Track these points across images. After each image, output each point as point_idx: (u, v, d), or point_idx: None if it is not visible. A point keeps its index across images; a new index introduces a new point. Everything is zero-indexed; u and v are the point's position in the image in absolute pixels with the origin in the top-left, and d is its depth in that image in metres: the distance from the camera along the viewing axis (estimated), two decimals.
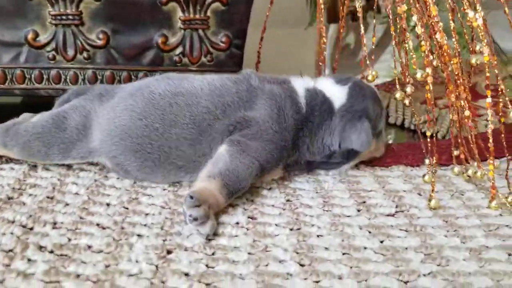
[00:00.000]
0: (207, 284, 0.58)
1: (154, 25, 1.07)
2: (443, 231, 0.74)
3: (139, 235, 0.68)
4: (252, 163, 0.79)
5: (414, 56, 0.85)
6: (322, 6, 1.11)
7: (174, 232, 0.69)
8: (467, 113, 0.82)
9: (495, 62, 0.79)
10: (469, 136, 0.84)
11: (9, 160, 0.88)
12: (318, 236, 0.71)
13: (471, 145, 0.86)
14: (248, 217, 0.75)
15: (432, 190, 0.82)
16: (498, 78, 0.82)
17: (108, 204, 0.76)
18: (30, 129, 0.85)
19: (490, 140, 0.82)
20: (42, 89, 1.08)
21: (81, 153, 0.84)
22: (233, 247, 0.66)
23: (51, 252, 0.63)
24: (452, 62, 0.81)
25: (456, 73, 0.81)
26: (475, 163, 0.87)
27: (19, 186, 0.80)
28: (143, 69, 1.10)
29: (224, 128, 0.84)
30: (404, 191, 0.87)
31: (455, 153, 0.94)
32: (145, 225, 0.71)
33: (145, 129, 0.82)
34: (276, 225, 0.73)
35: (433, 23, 0.81)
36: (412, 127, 1.30)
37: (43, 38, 1.04)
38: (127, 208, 0.75)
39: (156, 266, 0.61)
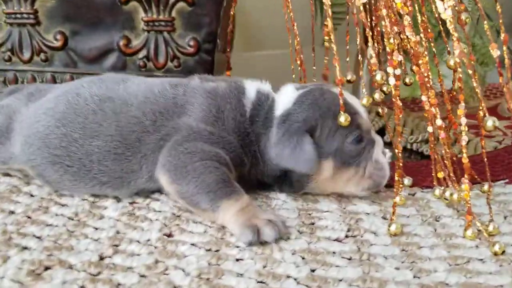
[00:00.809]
0: None
1: (115, 26, 1.00)
2: (395, 262, 0.60)
3: (24, 248, 0.59)
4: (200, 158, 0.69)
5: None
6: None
7: (66, 246, 0.59)
8: (438, 122, 0.69)
9: (471, 61, 0.66)
10: (443, 150, 0.70)
11: None
12: (237, 260, 0.59)
13: (445, 162, 0.72)
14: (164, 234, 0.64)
15: (393, 213, 0.69)
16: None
17: (12, 212, 0.68)
18: None
19: (464, 157, 0.67)
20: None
21: (2, 157, 0.77)
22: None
23: None
24: (421, 61, 0.68)
25: (426, 74, 0.68)
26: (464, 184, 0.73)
27: None
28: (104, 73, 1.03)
29: (154, 144, 0.72)
30: (367, 213, 0.74)
31: (439, 175, 0.80)
32: (39, 237, 0.62)
33: (63, 139, 0.72)
34: (192, 244, 0.62)
35: (400, 18, 0.69)
36: (409, 146, 1.17)
37: None
38: (29, 217, 0.66)
39: (22, 284, 0.51)
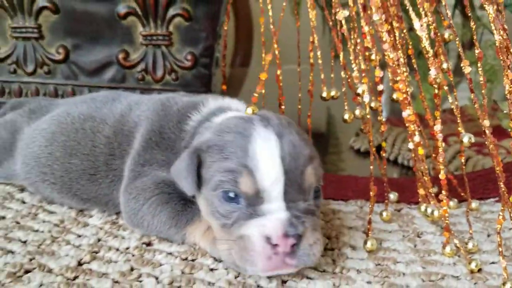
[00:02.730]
0: None
1: (115, 40, 1.03)
2: (368, 277, 0.61)
3: (9, 251, 0.61)
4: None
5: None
6: None
7: (48, 251, 0.62)
8: (416, 138, 0.70)
9: (446, 79, 0.67)
10: (420, 167, 0.71)
11: None
12: (211, 269, 0.60)
13: (425, 179, 0.72)
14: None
15: (369, 229, 0.69)
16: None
17: (2, 217, 0.71)
18: None
19: (441, 173, 0.68)
20: (3, 103, 1.07)
21: (5, 173, 0.80)
22: None
23: None
24: (398, 78, 0.69)
25: (404, 90, 0.69)
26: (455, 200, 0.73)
27: None
28: (104, 86, 1.06)
29: (118, 170, 0.70)
30: (350, 228, 0.75)
31: (421, 192, 0.80)
32: (24, 241, 0.64)
33: (49, 157, 0.74)
34: (169, 253, 0.64)
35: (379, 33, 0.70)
36: (406, 162, 1.17)
37: (3, 51, 1.04)
38: (18, 223, 0.69)
39: (3, 285, 0.54)
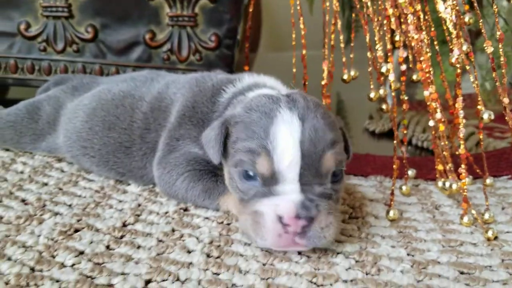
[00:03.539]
0: (95, 263, 0.54)
1: (142, 21, 1.07)
2: (391, 241, 0.65)
3: (56, 213, 0.65)
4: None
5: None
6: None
7: (93, 214, 0.66)
8: (438, 115, 0.74)
9: (470, 60, 0.70)
10: (442, 143, 0.75)
11: None
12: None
13: (445, 154, 0.76)
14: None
15: (391, 200, 0.73)
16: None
17: (45, 184, 0.75)
18: (5, 117, 0.85)
19: (462, 148, 0.72)
20: (34, 80, 1.11)
21: (49, 146, 0.83)
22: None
23: None
24: (422, 58, 0.73)
25: (427, 70, 0.73)
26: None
27: None
28: (131, 65, 1.10)
29: (152, 143, 0.74)
30: (371, 200, 0.79)
31: (440, 167, 0.84)
32: (69, 205, 0.69)
33: (89, 132, 0.78)
34: (206, 218, 0.68)
35: (404, 15, 0.74)
36: (420, 143, 1.21)
37: (34, 29, 1.07)
38: (60, 189, 0.73)
39: (55, 241, 0.58)
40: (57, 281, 0.50)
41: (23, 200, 0.69)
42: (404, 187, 0.82)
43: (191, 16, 1.06)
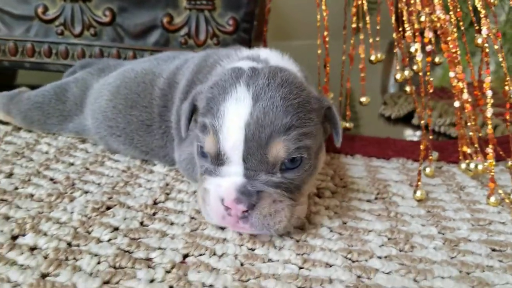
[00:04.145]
0: (131, 238, 0.54)
1: (160, 4, 1.06)
2: (421, 220, 0.65)
3: (86, 192, 0.65)
4: None
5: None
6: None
7: (123, 192, 0.66)
8: (465, 96, 0.73)
9: (498, 40, 0.70)
10: (469, 123, 0.75)
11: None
12: None
13: (471, 134, 0.76)
14: None
15: (418, 180, 0.73)
16: None
17: (71, 164, 0.75)
18: (32, 98, 0.85)
19: (489, 128, 0.72)
20: (51, 64, 1.10)
21: (76, 128, 0.83)
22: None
23: None
24: (449, 38, 0.73)
25: (454, 51, 0.73)
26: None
27: None
28: (148, 49, 1.09)
29: (171, 121, 0.73)
30: (395, 181, 0.79)
31: (464, 149, 0.84)
32: (98, 184, 0.69)
33: (114, 110, 0.77)
34: None
35: None
36: (437, 128, 1.21)
37: (52, 13, 1.06)
38: (87, 169, 0.73)
39: (88, 218, 0.58)
40: (96, 255, 0.51)
41: (51, 179, 0.69)
42: (428, 169, 0.82)
43: (209, 0, 1.05)
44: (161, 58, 0.83)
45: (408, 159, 0.90)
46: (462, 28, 0.78)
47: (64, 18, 1.07)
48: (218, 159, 0.53)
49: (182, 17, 1.07)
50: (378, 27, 0.88)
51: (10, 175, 0.69)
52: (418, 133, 1.20)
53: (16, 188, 0.65)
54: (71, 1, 1.06)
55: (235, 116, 0.52)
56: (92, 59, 1.03)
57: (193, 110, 0.61)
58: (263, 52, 0.70)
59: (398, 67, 0.82)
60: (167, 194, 0.66)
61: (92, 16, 1.07)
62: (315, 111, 0.57)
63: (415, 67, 0.85)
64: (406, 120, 1.26)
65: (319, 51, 0.94)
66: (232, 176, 0.53)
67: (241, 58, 0.69)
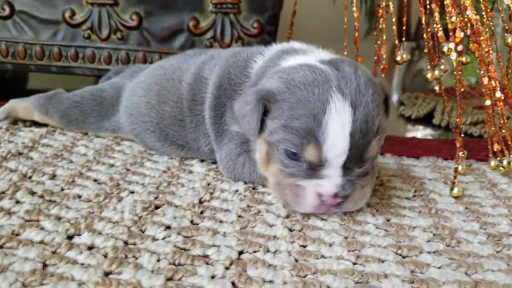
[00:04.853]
0: (185, 236, 0.55)
1: (186, 8, 1.08)
2: (461, 216, 0.66)
3: (132, 192, 0.66)
4: None
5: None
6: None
7: (168, 192, 0.67)
8: (498, 94, 0.75)
9: None
10: (501, 122, 0.76)
11: (31, 124, 0.91)
12: None
13: (503, 131, 0.77)
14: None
15: (455, 177, 0.74)
16: None
17: (111, 165, 0.76)
18: (71, 97, 0.87)
19: None
20: (77, 68, 1.12)
21: (112, 125, 0.85)
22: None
23: (41, 197, 0.62)
24: (482, 38, 0.74)
25: (486, 50, 0.74)
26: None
27: (32, 145, 0.81)
28: (174, 52, 1.10)
29: (201, 115, 0.75)
30: (429, 179, 0.80)
31: (495, 146, 0.85)
32: (142, 184, 0.70)
33: (147, 106, 0.79)
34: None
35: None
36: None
37: (79, 17, 1.08)
38: (128, 170, 0.74)
39: (140, 217, 0.59)
40: (154, 253, 0.52)
41: (95, 180, 0.70)
42: (460, 167, 0.83)
43: (234, 3, 1.07)
44: (188, 54, 0.85)
45: (438, 158, 0.91)
46: (492, 28, 0.79)
47: (91, 22, 1.08)
48: (318, 165, 0.58)
49: (208, 21, 1.09)
50: (404, 28, 0.89)
51: (53, 176, 0.70)
52: (439, 132, 1.21)
53: (62, 189, 0.66)
54: (98, 5, 1.07)
55: (340, 128, 0.56)
56: (126, 66, 1.06)
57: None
58: (292, 44, 0.72)
59: (428, 67, 0.83)
60: (211, 193, 0.67)
61: (119, 20, 1.08)
62: (381, 97, 0.62)
63: (442, 67, 0.87)
64: (426, 120, 1.27)
65: (345, 53, 0.95)
66: (331, 177, 0.58)
67: (277, 51, 0.69)
